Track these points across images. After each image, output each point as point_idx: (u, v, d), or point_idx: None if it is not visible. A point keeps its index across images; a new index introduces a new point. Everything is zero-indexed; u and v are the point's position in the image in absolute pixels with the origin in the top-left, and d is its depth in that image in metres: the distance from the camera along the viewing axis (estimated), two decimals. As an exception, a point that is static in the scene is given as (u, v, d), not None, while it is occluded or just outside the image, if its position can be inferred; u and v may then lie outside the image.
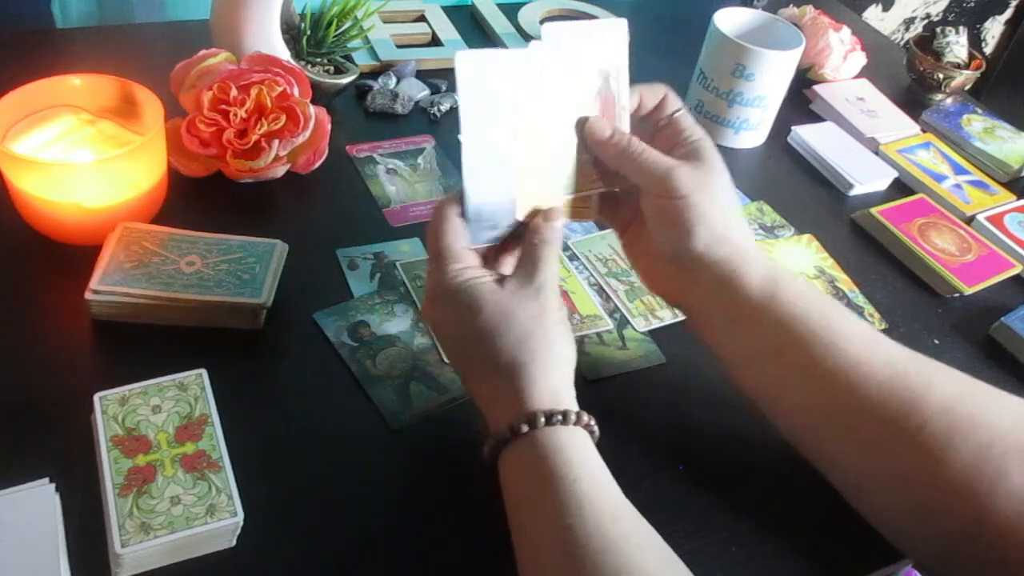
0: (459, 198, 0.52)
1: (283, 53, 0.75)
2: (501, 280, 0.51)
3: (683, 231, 0.52)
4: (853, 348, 0.50)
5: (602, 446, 0.48)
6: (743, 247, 0.53)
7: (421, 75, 0.88)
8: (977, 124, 0.97)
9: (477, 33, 0.98)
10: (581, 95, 0.54)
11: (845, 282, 0.74)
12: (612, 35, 0.55)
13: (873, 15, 1.62)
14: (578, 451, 0.46)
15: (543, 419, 0.46)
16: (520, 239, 0.54)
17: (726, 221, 0.53)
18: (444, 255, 0.51)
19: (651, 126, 0.57)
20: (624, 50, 0.55)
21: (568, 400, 0.49)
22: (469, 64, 0.50)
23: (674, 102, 0.57)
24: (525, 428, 0.46)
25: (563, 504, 0.43)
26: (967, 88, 1.03)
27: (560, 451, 0.45)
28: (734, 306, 0.53)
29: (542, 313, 0.49)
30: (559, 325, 0.50)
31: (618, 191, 0.57)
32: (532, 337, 0.48)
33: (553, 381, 0.48)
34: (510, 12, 1.01)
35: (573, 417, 0.47)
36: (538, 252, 0.51)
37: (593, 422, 0.48)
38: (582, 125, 0.55)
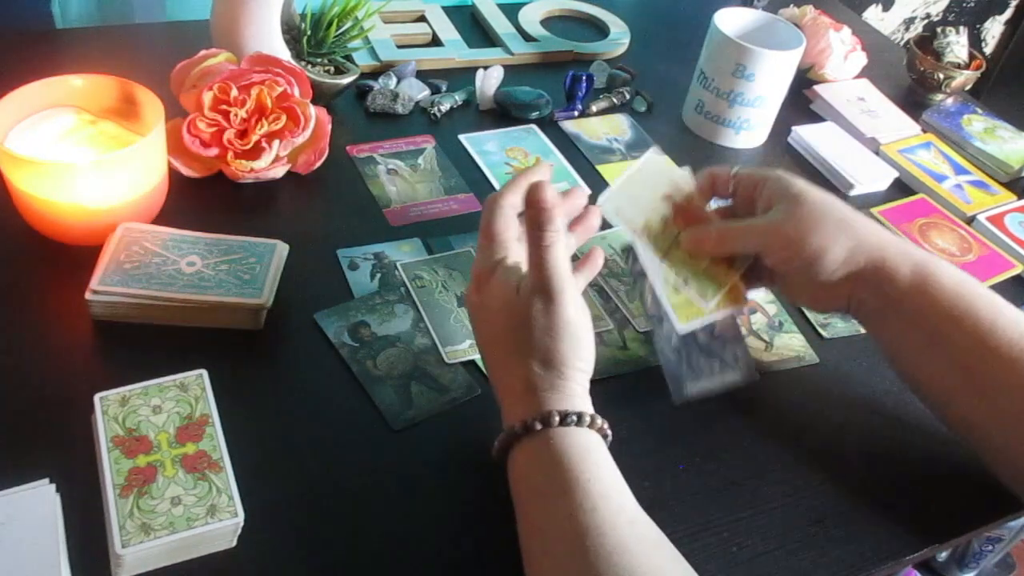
0: (513, 191, 0.54)
1: (283, 53, 0.75)
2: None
3: (813, 267, 0.55)
4: (1003, 342, 0.52)
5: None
6: (880, 245, 0.55)
7: (421, 75, 0.88)
8: (977, 124, 0.97)
9: (477, 33, 0.98)
10: (663, 223, 0.60)
11: (845, 282, 0.74)
12: (651, 164, 0.60)
13: (873, 15, 1.62)
14: (592, 453, 0.46)
15: (557, 419, 0.46)
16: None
17: (848, 235, 0.54)
18: (494, 239, 0.53)
19: (727, 197, 0.61)
20: (669, 165, 0.62)
21: (583, 403, 0.49)
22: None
23: (723, 171, 0.60)
24: (539, 426, 0.46)
25: (578, 504, 0.44)
26: (967, 88, 1.03)
27: (574, 451, 0.46)
28: (888, 299, 0.55)
29: (564, 315, 0.49)
30: (580, 329, 0.50)
31: (743, 271, 0.60)
32: (558, 338, 0.49)
33: (571, 384, 0.49)
34: (510, 12, 1.00)
35: (588, 419, 0.47)
36: (541, 256, 0.50)
37: (607, 426, 0.49)
38: (681, 243, 0.59)
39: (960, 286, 0.54)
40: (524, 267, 0.52)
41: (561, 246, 0.50)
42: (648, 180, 0.60)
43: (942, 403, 0.57)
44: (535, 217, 0.50)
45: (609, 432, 0.49)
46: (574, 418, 0.47)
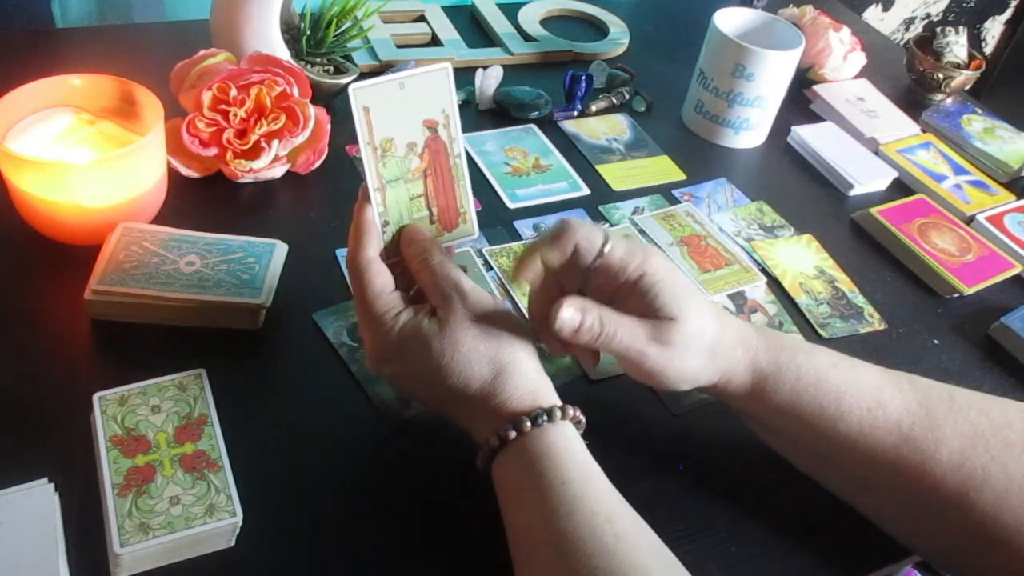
0: (364, 247, 0.50)
1: (283, 53, 0.75)
2: (432, 311, 0.49)
3: (664, 386, 0.51)
4: (852, 426, 0.51)
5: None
6: (729, 368, 0.52)
7: (421, 75, 0.88)
8: (977, 124, 0.97)
9: (477, 33, 0.98)
10: (407, 148, 0.52)
11: (845, 282, 0.74)
12: (432, 79, 0.51)
13: (873, 15, 1.62)
14: (566, 450, 0.46)
15: (528, 422, 0.46)
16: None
17: (706, 364, 0.51)
18: (374, 305, 0.49)
19: (582, 268, 0.50)
20: (451, 96, 0.52)
21: (548, 395, 0.48)
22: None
23: (592, 242, 0.49)
24: (512, 434, 0.46)
25: (553, 509, 0.43)
26: (967, 88, 1.03)
27: (546, 453, 0.45)
28: (733, 405, 0.55)
29: (484, 323, 0.48)
30: (505, 324, 0.49)
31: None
32: (490, 352, 0.48)
33: (527, 381, 0.48)
34: (510, 12, 1.01)
35: (558, 413, 0.46)
36: (441, 272, 0.50)
37: (579, 412, 0.48)
38: (555, 314, 0.47)
39: (798, 387, 0.51)
40: (417, 309, 0.49)
41: (447, 259, 0.51)
42: (419, 95, 0.51)
43: (812, 474, 0.55)
44: (418, 247, 0.51)
45: (583, 418, 0.48)
46: (544, 416, 0.46)
